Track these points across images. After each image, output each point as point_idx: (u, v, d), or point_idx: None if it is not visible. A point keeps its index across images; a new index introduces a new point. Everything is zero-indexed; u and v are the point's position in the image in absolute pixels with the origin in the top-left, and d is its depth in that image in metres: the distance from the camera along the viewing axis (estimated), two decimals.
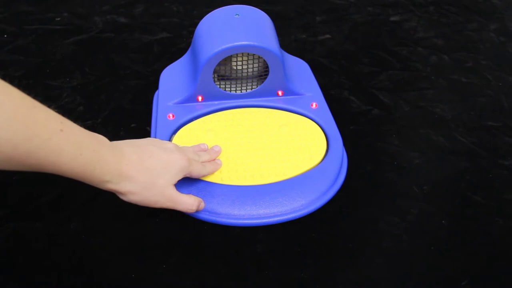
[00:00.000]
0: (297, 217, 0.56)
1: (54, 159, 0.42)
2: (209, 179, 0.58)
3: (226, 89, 0.67)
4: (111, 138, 0.50)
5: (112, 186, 0.48)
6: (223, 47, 0.61)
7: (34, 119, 0.40)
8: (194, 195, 0.55)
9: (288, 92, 0.68)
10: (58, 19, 0.90)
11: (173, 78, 0.70)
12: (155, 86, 0.73)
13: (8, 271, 0.51)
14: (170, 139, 0.63)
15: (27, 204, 0.57)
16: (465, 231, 0.57)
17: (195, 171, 0.55)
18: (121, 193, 0.50)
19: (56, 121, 0.43)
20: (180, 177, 0.53)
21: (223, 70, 0.66)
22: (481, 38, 0.90)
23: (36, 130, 0.40)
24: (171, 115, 0.65)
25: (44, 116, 0.42)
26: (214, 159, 0.59)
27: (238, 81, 0.67)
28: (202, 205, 0.55)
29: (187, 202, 0.53)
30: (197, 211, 0.55)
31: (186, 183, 0.57)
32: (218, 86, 0.66)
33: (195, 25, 0.69)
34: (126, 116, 0.70)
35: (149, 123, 0.68)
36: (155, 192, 0.51)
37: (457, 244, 0.55)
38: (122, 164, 0.48)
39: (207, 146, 0.61)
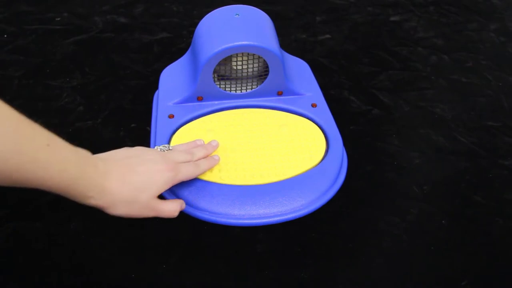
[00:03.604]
0: (297, 217, 0.56)
1: (42, 174, 0.42)
2: (209, 178, 0.58)
3: (226, 89, 0.67)
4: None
5: (95, 201, 0.47)
6: (223, 47, 0.61)
7: (22, 133, 0.40)
8: (176, 198, 0.54)
9: (288, 92, 0.68)
10: (58, 19, 0.90)
11: (173, 78, 0.70)
12: (155, 86, 0.73)
13: (8, 271, 0.51)
14: (170, 139, 0.63)
15: (27, 204, 0.57)
16: (465, 231, 0.57)
17: (187, 175, 0.54)
18: (105, 208, 0.49)
19: (43, 135, 0.42)
20: (165, 189, 0.52)
21: (223, 70, 0.66)
22: (481, 38, 0.90)
23: (24, 144, 0.40)
24: (171, 115, 0.65)
25: (32, 130, 0.41)
26: (210, 154, 0.59)
27: (238, 81, 0.67)
28: (183, 205, 0.54)
29: (170, 210, 0.52)
30: (197, 211, 0.55)
31: (186, 183, 0.56)
32: (218, 86, 0.66)
33: (195, 25, 0.69)
34: (126, 116, 0.70)
35: (149, 123, 0.68)
36: (139, 206, 0.50)
37: (457, 244, 0.56)
38: (104, 180, 0.47)
39: (203, 141, 0.60)
